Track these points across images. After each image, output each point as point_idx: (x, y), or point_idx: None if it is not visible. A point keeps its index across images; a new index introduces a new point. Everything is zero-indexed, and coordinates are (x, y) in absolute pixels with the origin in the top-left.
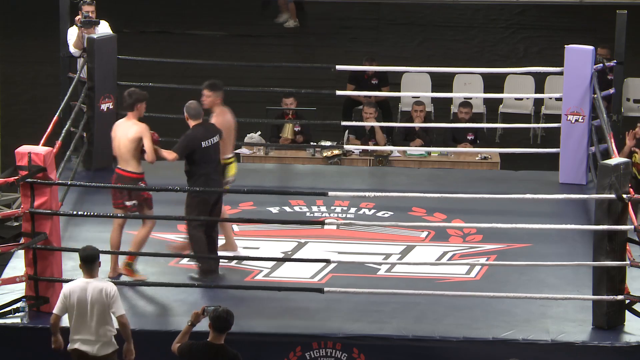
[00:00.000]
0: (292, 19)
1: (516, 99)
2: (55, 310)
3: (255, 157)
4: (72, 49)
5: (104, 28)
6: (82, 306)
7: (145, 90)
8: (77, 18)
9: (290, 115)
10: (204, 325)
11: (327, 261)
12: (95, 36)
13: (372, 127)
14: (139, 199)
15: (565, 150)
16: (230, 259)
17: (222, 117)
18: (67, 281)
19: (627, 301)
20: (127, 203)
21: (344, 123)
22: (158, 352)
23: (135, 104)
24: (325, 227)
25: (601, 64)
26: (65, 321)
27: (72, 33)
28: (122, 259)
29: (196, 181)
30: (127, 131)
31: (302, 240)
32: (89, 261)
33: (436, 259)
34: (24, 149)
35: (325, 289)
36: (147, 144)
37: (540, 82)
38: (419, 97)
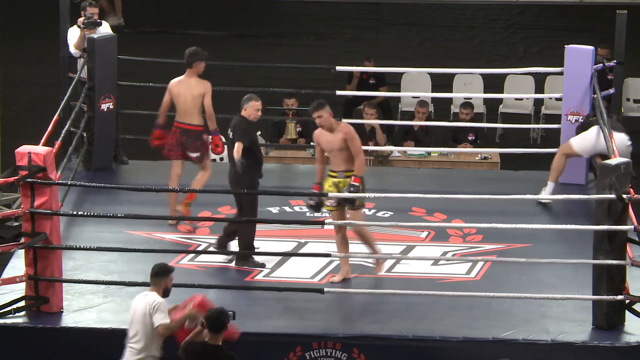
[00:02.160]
0: (118, 17)
1: (516, 99)
2: None
3: None
4: (72, 49)
5: (105, 29)
6: (132, 314)
7: (145, 90)
8: (79, 19)
9: (290, 116)
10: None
11: (328, 255)
12: (95, 36)
13: (373, 127)
14: (203, 150)
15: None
16: (230, 254)
17: None
18: (67, 281)
19: (627, 301)
20: (192, 155)
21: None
22: None
23: (194, 61)
24: (325, 227)
25: (601, 64)
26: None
27: (73, 33)
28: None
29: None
30: (191, 88)
31: (302, 240)
32: (152, 275)
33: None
34: (24, 149)
35: (325, 289)
36: (207, 101)
37: (540, 82)
38: (419, 97)
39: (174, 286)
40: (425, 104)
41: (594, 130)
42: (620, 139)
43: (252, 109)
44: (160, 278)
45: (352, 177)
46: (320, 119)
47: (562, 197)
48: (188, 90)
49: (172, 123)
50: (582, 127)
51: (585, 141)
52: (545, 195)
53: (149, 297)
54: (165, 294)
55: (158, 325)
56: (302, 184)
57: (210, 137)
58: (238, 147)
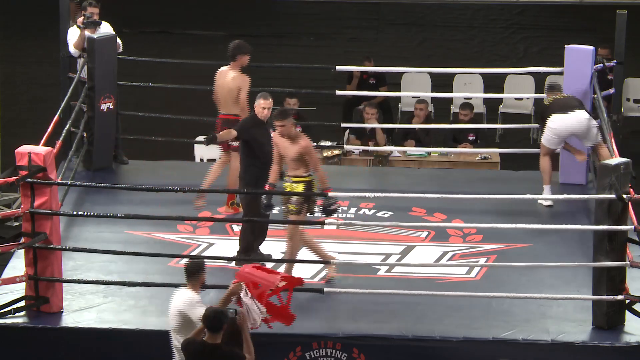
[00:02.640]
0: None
1: (516, 99)
2: None
3: None
4: (72, 49)
5: (105, 29)
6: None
7: (145, 90)
8: (79, 19)
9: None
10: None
11: (327, 262)
12: (95, 36)
13: (373, 128)
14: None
15: (565, 150)
16: (230, 259)
17: None
18: (67, 281)
19: (627, 301)
20: (232, 144)
21: (343, 125)
22: (158, 351)
23: (237, 54)
24: (325, 227)
25: (601, 64)
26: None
27: (73, 33)
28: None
29: None
30: (229, 80)
31: None
32: (186, 273)
33: (436, 259)
34: (24, 149)
35: (325, 289)
36: (242, 95)
37: (540, 82)
38: (419, 97)
39: (174, 286)
40: (424, 102)
41: (551, 119)
42: (574, 118)
43: (259, 107)
44: (195, 275)
45: (325, 189)
46: (282, 128)
47: (562, 197)
48: (225, 82)
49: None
50: (541, 118)
51: (547, 134)
52: (545, 201)
53: (181, 296)
54: (201, 288)
55: (198, 319)
56: None
57: None
58: (225, 131)
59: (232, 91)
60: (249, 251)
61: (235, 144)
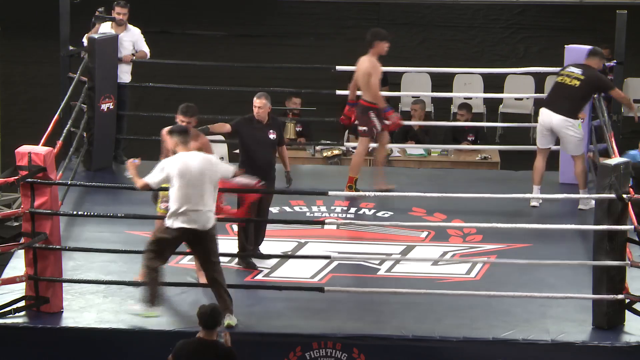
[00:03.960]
0: None
1: (516, 99)
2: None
3: None
4: (84, 39)
5: (133, 33)
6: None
7: (145, 90)
8: (115, 19)
9: (290, 115)
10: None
11: (328, 257)
12: (95, 36)
13: None
14: (370, 124)
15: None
16: (233, 256)
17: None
18: (67, 281)
19: (627, 301)
20: (360, 128)
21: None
22: (158, 351)
23: (373, 41)
24: (325, 227)
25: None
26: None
27: (105, 28)
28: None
29: None
30: (362, 66)
31: (302, 241)
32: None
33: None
34: (24, 149)
35: (326, 288)
36: (372, 81)
37: (540, 82)
38: (419, 97)
39: (175, 285)
40: (420, 102)
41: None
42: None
43: (253, 105)
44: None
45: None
46: (188, 124)
47: (562, 197)
48: (359, 68)
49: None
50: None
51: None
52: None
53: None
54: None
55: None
56: (302, 184)
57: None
58: (218, 124)
59: (364, 76)
60: (242, 251)
61: (362, 128)
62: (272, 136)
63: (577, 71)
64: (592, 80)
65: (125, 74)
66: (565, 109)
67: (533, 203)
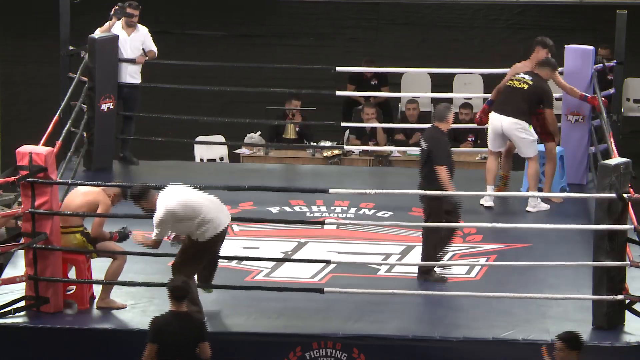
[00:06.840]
0: None
1: None
2: None
3: (255, 157)
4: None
5: (142, 32)
6: None
7: (145, 90)
8: (132, 15)
9: (290, 116)
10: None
11: (327, 262)
12: (95, 36)
13: (373, 127)
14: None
15: (565, 150)
16: (230, 259)
17: None
18: (67, 281)
19: (627, 301)
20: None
21: (343, 124)
22: None
23: (534, 46)
24: (325, 227)
25: (601, 64)
26: None
27: (116, 28)
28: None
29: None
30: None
31: (302, 240)
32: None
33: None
34: (25, 148)
35: (326, 289)
36: (559, 82)
37: None
38: (419, 97)
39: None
40: (414, 101)
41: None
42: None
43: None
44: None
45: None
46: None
47: (562, 196)
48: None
49: None
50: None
51: None
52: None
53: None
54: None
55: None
56: (302, 183)
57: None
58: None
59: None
60: (429, 260)
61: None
62: None
63: (528, 77)
64: (538, 89)
65: (136, 74)
66: (514, 111)
67: (488, 203)
